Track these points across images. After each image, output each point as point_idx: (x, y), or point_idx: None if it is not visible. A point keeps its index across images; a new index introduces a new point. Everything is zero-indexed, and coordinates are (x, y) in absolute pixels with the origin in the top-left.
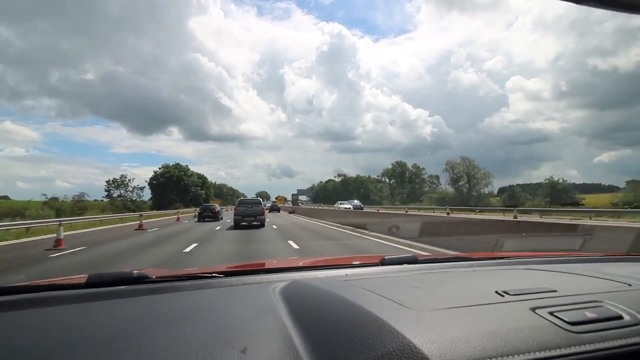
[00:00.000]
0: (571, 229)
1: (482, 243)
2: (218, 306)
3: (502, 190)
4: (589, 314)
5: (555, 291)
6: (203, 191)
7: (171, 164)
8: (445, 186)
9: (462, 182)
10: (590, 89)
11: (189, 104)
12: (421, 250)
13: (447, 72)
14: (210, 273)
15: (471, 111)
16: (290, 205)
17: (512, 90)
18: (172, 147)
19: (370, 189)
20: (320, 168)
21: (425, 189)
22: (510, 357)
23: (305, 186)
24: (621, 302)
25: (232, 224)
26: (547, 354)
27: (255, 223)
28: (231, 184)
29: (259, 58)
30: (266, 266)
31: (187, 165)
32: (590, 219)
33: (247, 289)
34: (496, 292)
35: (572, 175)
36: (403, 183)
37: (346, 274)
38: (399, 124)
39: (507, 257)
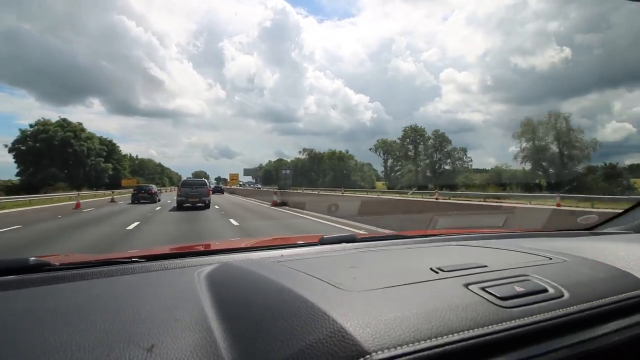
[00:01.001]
0: (495, 208)
1: (417, 222)
2: (130, 296)
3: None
4: (518, 288)
5: (485, 266)
6: (110, 165)
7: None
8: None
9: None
10: (511, 85)
11: (113, 72)
12: (361, 229)
13: (388, 60)
14: (128, 257)
15: (408, 99)
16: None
17: (445, 81)
18: (93, 120)
19: (351, 168)
20: (261, 150)
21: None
22: (444, 336)
23: (242, 168)
24: (545, 276)
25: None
26: (481, 331)
27: (200, 204)
28: (164, 163)
29: (196, 28)
30: (196, 248)
31: (80, 124)
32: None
33: (168, 274)
34: (431, 269)
35: (491, 162)
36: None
37: (281, 255)
38: (341, 108)
39: (441, 235)
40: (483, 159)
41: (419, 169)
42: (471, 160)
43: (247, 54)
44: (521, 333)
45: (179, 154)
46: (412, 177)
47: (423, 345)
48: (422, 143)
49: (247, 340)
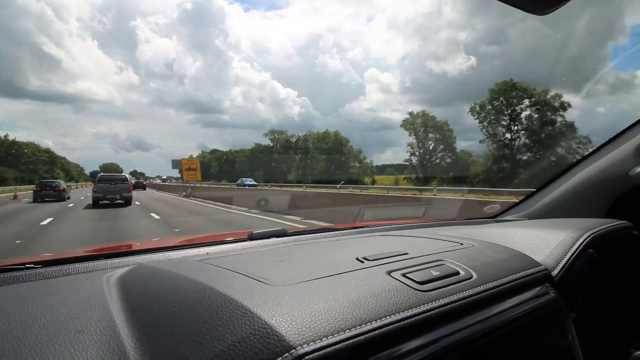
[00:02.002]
0: (416, 200)
1: (346, 214)
2: (20, 308)
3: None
4: (434, 273)
5: (406, 254)
6: None
7: None
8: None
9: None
10: (427, 87)
11: None
12: (294, 223)
13: (316, 56)
14: (23, 264)
15: (336, 96)
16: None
17: (369, 81)
18: None
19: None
20: (182, 142)
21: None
22: (368, 324)
23: (161, 162)
24: (457, 260)
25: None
26: (401, 315)
27: (120, 201)
28: (65, 156)
29: (102, 2)
30: (109, 250)
31: None
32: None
33: (72, 280)
34: (357, 259)
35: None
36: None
37: (207, 253)
38: (269, 102)
39: (367, 226)
40: (401, 155)
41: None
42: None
43: (165, 37)
44: (437, 314)
45: (82, 145)
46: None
47: (348, 334)
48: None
49: (162, 347)
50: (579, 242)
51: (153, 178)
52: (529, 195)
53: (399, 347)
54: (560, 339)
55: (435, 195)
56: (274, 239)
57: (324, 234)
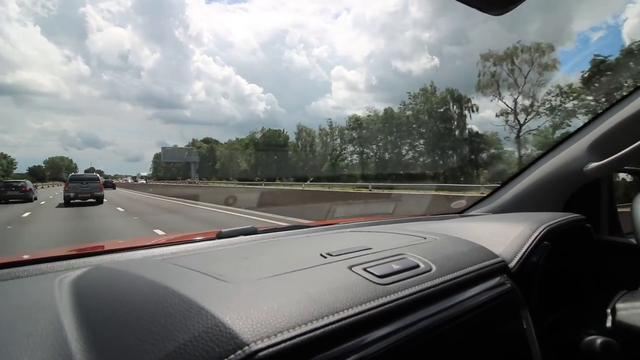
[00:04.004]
0: (386, 196)
1: (318, 211)
2: None
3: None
4: (395, 266)
5: (370, 249)
6: None
7: None
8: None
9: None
10: (392, 86)
11: None
12: (265, 219)
13: (282, 52)
14: None
15: (302, 93)
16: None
17: (336, 78)
18: None
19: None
20: (140, 140)
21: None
22: (325, 317)
23: (117, 160)
24: (418, 253)
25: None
26: (360, 308)
27: (91, 200)
28: (6, 153)
29: None
30: (65, 252)
31: None
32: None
33: (21, 283)
34: (321, 254)
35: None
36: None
37: (171, 252)
38: (233, 97)
39: (337, 223)
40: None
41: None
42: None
43: (119, 26)
44: (396, 306)
45: (25, 142)
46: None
47: (303, 329)
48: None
49: (110, 350)
50: (534, 235)
51: (123, 177)
52: (494, 191)
53: (356, 341)
54: (516, 328)
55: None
56: (242, 237)
57: (293, 231)
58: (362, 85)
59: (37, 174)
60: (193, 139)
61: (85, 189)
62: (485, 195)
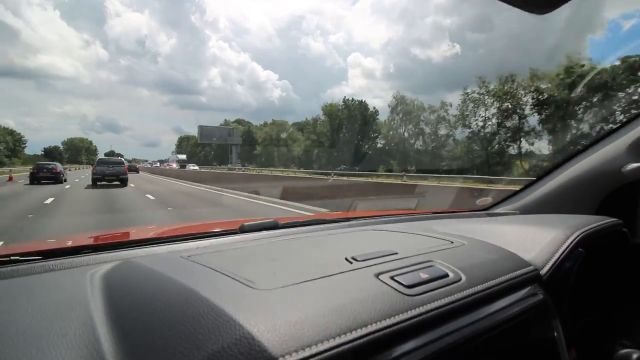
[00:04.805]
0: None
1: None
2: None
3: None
4: (423, 275)
5: (396, 253)
6: None
7: None
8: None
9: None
10: (410, 74)
11: None
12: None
13: (298, 38)
14: (4, 256)
15: (317, 81)
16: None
17: (352, 65)
18: None
19: None
20: (156, 125)
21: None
22: (353, 331)
23: (134, 145)
24: (446, 260)
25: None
26: (388, 321)
27: (116, 183)
28: (28, 137)
29: None
30: (94, 241)
31: None
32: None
33: (54, 277)
34: (346, 259)
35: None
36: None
37: (196, 247)
38: (248, 84)
39: (358, 217)
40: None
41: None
42: None
43: (136, 12)
44: (425, 319)
45: (47, 125)
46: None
47: (332, 343)
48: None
49: (141, 353)
50: (569, 241)
51: (150, 162)
52: (522, 189)
53: (384, 353)
54: (547, 339)
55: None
56: (265, 232)
57: (315, 226)
58: (379, 73)
59: (53, 156)
60: (225, 120)
61: (111, 172)
62: (512, 193)
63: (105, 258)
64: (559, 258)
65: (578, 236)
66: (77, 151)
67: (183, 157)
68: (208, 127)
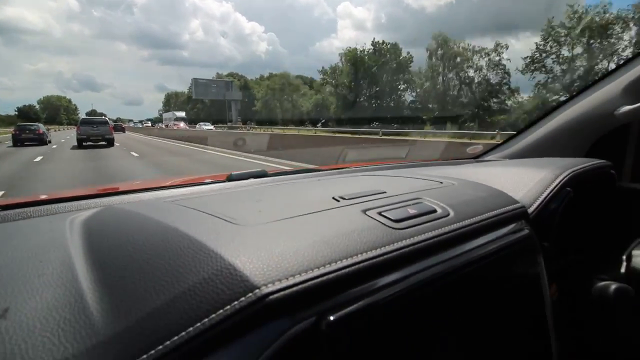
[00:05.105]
0: (400, 141)
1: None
2: None
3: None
4: (411, 211)
5: (384, 192)
6: None
7: None
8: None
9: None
10: (401, 25)
11: None
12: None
13: None
14: None
15: (305, 32)
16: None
17: (342, 16)
18: None
19: None
20: (137, 82)
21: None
22: (339, 261)
23: (115, 103)
24: (435, 198)
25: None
26: (374, 252)
27: (102, 143)
28: (1, 96)
29: None
30: (76, 193)
31: None
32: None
33: (34, 223)
34: (333, 198)
35: None
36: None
37: (182, 194)
38: (232, 37)
39: (349, 167)
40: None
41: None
42: None
43: None
44: (412, 250)
45: (21, 84)
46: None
47: (315, 272)
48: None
49: (120, 288)
50: (557, 181)
51: (137, 122)
52: (512, 137)
53: (370, 284)
54: (530, 273)
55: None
56: (253, 180)
57: (304, 174)
58: (370, 24)
59: (29, 116)
60: (217, 73)
61: (96, 132)
62: (501, 141)
63: (87, 204)
64: (546, 197)
65: (566, 176)
66: (55, 110)
67: (181, 114)
68: (203, 81)
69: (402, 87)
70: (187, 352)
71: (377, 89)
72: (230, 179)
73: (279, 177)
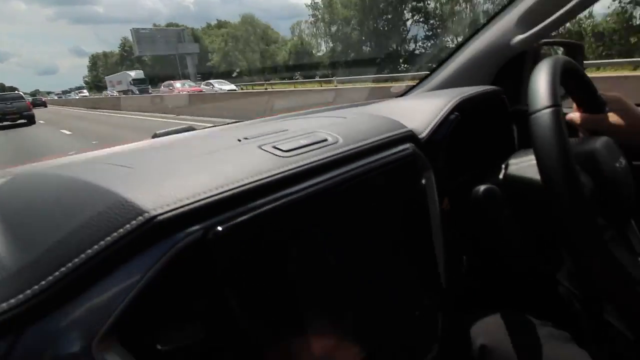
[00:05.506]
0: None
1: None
2: None
3: None
4: (303, 141)
5: (286, 130)
6: None
7: None
8: None
9: None
10: None
11: None
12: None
13: None
14: None
15: None
16: None
17: None
18: None
19: None
20: (47, 47)
21: None
22: (226, 186)
23: (26, 75)
24: (329, 130)
25: None
26: (260, 176)
27: (22, 121)
28: None
29: None
30: None
31: None
32: None
33: None
34: (237, 139)
35: None
36: None
37: (97, 156)
38: None
39: (276, 117)
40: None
41: None
42: None
43: None
44: (296, 172)
45: None
46: None
47: (203, 195)
48: None
49: (24, 232)
50: (446, 107)
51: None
52: (430, 72)
53: (257, 203)
54: (417, 187)
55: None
56: (177, 135)
57: (228, 125)
58: None
59: None
60: (154, 24)
61: (11, 109)
62: (419, 81)
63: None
64: (437, 122)
65: (455, 102)
66: None
67: (139, 74)
68: (147, 32)
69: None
70: (86, 272)
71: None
72: (154, 136)
73: (204, 130)
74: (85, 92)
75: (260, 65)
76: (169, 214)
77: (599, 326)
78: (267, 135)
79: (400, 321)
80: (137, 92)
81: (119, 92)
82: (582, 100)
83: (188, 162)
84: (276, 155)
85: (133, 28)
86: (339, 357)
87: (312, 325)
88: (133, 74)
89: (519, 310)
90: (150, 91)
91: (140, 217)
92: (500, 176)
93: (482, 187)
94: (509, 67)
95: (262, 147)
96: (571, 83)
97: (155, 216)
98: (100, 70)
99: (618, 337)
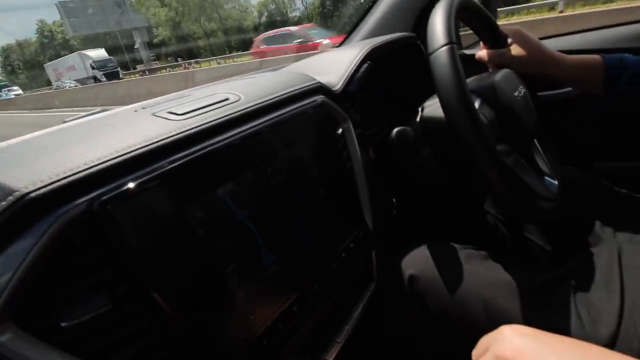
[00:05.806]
0: None
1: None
2: None
3: None
4: (201, 103)
5: (189, 96)
6: None
7: None
8: None
9: None
10: None
11: None
12: None
13: None
14: None
15: None
16: None
17: None
18: None
19: None
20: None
21: None
22: (109, 155)
23: None
24: (232, 90)
25: None
26: (151, 140)
27: None
28: None
29: None
30: None
31: None
32: None
33: None
34: (135, 111)
35: None
36: None
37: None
38: None
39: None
40: None
41: None
42: None
43: None
44: (192, 134)
45: None
46: None
47: (83, 167)
48: None
49: None
50: (358, 57)
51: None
52: (357, 22)
53: (148, 169)
54: (333, 137)
55: None
56: (84, 119)
57: (140, 103)
58: None
59: None
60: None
61: None
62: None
63: None
64: (349, 74)
65: (366, 51)
66: None
67: (100, 54)
68: (77, 3)
69: None
70: None
71: None
72: (64, 122)
73: (113, 112)
74: (17, 89)
75: (223, 36)
76: (43, 189)
77: (521, 242)
78: (167, 102)
79: (332, 265)
80: (104, 79)
81: (76, 81)
82: (485, 36)
83: (75, 140)
84: (169, 119)
85: (59, 1)
86: (268, 306)
87: (232, 280)
88: (92, 54)
89: (446, 240)
90: (121, 75)
91: (10, 197)
92: (417, 119)
93: (394, 130)
94: (429, 12)
95: (156, 114)
96: (470, 19)
97: (27, 194)
98: (13, 62)
99: (538, 249)
